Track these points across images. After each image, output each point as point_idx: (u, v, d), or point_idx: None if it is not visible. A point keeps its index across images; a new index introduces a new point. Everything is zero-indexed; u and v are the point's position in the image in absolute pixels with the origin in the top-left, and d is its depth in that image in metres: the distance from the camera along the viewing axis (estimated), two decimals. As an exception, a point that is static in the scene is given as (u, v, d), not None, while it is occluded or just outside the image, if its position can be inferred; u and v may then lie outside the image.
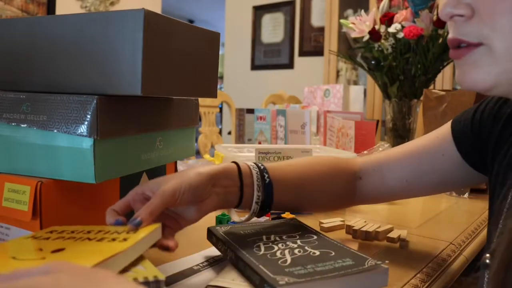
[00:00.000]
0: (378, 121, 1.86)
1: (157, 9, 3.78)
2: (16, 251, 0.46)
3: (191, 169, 0.57)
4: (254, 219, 0.64)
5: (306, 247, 0.53)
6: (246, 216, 0.64)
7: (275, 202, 0.62)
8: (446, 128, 0.66)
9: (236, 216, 0.70)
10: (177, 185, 0.53)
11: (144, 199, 0.54)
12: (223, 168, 0.59)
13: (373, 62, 1.61)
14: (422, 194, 0.71)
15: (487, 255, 0.46)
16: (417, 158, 0.66)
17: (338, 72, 3.22)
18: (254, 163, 0.63)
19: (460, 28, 0.47)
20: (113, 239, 0.46)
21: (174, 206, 0.55)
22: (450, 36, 0.49)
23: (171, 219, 0.57)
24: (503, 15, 0.43)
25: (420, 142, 0.68)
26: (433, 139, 0.67)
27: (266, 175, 0.61)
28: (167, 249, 0.51)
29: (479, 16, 0.45)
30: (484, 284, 0.46)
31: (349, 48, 3.10)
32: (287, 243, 0.55)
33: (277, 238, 0.57)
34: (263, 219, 0.75)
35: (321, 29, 3.46)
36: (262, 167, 0.62)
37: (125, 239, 0.46)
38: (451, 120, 0.67)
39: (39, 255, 0.44)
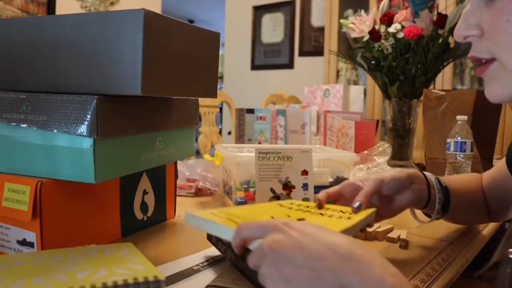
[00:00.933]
0: (378, 121, 1.85)
1: (157, 9, 3.78)
2: (272, 213, 0.58)
3: (390, 169, 0.69)
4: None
5: None
6: (432, 217, 0.70)
7: (452, 206, 0.70)
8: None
9: (421, 218, 0.73)
10: (384, 176, 0.65)
11: (354, 188, 0.66)
12: (414, 171, 0.69)
13: (373, 62, 1.61)
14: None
15: (511, 250, 0.49)
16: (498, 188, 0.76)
17: (338, 72, 3.22)
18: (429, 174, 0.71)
19: (474, 46, 0.52)
20: (340, 217, 0.58)
21: (381, 193, 0.65)
22: (469, 54, 0.54)
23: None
24: (503, 32, 0.48)
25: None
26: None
27: (442, 181, 0.70)
28: (359, 207, 0.61)
29: (487, 34, 0.50)
30: (507, 279, 0.48)
31: (349, 48, 3.09)
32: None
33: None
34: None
35: (321, 29, 3.45)
36: (434, 176, 0.71)
37: (349, 218, 0.57)
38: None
39: None
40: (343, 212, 0.61)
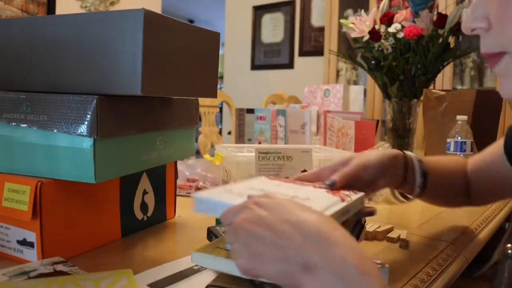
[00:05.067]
0: (378, 121, 1.85)
1: (157, 9, 3.78)
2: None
3: (373, 150, 0.69)
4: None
5: None
6: (409, 199, 0.75)
7: (428, 187, 0.70)
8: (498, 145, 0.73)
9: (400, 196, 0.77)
10: (367, 160, 0.63)
11: (333, 170, 0.63)
12: (396, 153, 0.68)
13: (373, 62, 1.61)
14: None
15: (509, 245, 0.49)
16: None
17: (338, 72, 3.22)
18: (413, 154, 0.72)
19: (483, 40, 0.50)
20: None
21: (361, 178, 0.63)
22: (481, 51, 0.52)
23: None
24: (511, 24, 0.46)
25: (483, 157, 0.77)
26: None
27: (421, 163, 0.70)
28: (371, 213, 0.60)
29: (494, 27, 0.48)
30: (505, 272, 0.49)
31: (349, 48, 3.09)
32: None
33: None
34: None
35: (321, 29, 3.45)
36: (416, 157, 0.71)
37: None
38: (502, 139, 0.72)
39: None
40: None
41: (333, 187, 0.58)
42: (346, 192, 0.57)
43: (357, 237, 0.55)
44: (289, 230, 0.40)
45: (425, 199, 0.75)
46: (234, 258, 0.43)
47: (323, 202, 0.50)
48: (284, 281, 0.40)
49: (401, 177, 0.68)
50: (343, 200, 0.53)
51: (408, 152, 0.71)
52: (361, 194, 0.59)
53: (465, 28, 0.51)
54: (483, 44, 0.50)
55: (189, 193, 1.01)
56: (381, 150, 0.71)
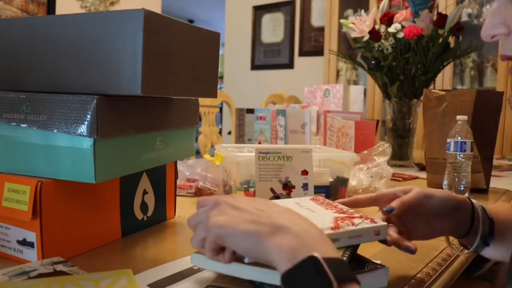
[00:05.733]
0: (378, 121, 1.86)
1: (157, 9, 3.78)
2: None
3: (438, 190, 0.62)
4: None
5: None
6: (470, 249, 0.63)
7: (495, 239, 0.62)
8: None
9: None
10: (431, 191, 0.60)
11: (391, 198, 0.60)
12: (463, 198, 0.62)
13: (373, 62, 1.61)
14: None
15: None
16: None
17: (338, 72, 3.22)
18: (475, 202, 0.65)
19: (505, 45, 0.52)
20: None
21: (421, 209, 0.59)
22: (501, 53, 0.53)
23: (405, 228, 0.60)
24: None
25: None
26: None
27: (488, 212, 0.62)
28: (410, 250, 0.56)
29: None
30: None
31: (349, 48, 3.09)
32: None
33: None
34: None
35: (321, 29, 3.45)
36: (480, 205, 0.64)
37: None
38: None
39: None
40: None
41: (390, 214, 0.57)
42: (358, 219, 0.53)
43: (349, 256, 0.50)
44: (264, 207, 0.44)
45: (488, 251, 0.64)
46: (208, 219, 0.44)
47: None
48: (249, 241, 0.41)
49: (468, 224, 0.61)
50: (337, 228, 0.50)
51: (473, 200, 0.64)
52: (383, 224, 0.54)
53: (485, 36, 0.52)
54: (506, 48, 0.51)
55: (189, 193, 1.01)
56: (448, 192, 0.63)
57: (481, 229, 0.61)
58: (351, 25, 1.61)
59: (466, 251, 0.64)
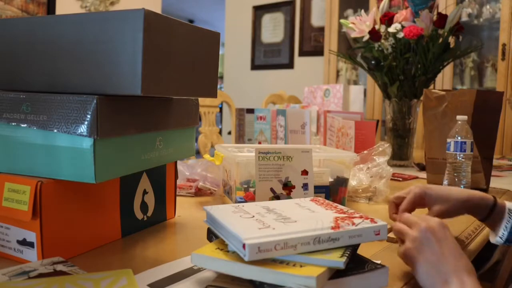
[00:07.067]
0: (378, 121, 1.85)
1: (157, 9, 3.78)
2: None
3: (458, 189, 0.72)
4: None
5: None
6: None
7: None
8: None
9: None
10: (460, 194, 0.68)
11: (423, 198, 0.69)
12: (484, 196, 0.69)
13: (373, 62, 1.61)
14: None
15: None
16: None
17: (338, 72, 3.22)
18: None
19: None
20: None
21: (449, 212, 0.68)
22: None
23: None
24: None
25: None
26: None
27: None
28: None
29: None
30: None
31: (349, 48, 3.09)
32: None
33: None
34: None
35: (321, 29, 3.45)
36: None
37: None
38: None
39: None
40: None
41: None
42: (358, 220, 0.54)
43: (349, 256, 0.50)
44: (449, 256, 0.52)
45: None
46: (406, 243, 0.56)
47: (305, 226, 0.51)
48: (426, 279, 0.52)
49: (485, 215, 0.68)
50: (336, 228, 0.51)
51: (508, 203, 0.68)
52: (378, 224, 0.54)
53: None
54: None
55: (189, 193, 1.01)
56: (472, 191, 0.71)
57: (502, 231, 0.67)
58: (351, 25, 1.61)
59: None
